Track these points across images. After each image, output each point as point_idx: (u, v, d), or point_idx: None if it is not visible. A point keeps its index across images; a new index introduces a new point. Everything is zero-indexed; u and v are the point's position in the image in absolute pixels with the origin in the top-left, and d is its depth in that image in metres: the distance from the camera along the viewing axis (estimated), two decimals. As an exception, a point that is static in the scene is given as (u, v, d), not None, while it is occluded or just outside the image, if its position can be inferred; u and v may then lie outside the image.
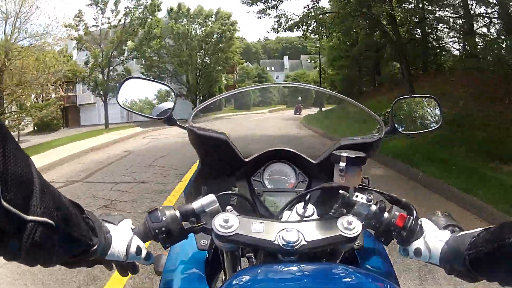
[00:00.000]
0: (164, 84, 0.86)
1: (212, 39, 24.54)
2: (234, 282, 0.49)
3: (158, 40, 22.03)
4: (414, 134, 0.90)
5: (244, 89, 1.02)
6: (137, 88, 0.86)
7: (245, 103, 28.24)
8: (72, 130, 19.26)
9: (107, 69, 18.91)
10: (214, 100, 0.92)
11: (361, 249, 0.75)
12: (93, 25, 19.27)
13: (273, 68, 49.16)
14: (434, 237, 0.58)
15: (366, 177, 0.71)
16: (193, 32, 23.81)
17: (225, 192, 0.67)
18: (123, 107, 0.82)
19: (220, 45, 24.64)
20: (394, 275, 0.74)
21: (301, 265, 0.52)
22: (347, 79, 18.90)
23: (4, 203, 0.33)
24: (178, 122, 0.79)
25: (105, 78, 18.90)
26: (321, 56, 22.99)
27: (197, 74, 24.14)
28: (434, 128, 0.88)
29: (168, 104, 0.81)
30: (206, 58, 24.67)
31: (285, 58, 52.07)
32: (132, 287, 2.19)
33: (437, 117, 0.87)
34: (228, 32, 24.58)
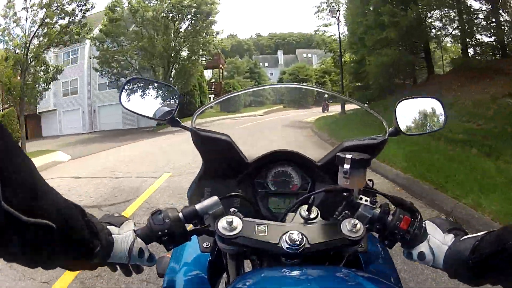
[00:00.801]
0: (167, 84, 0.86)
1: (184, 17, 17.93)
2: (238, 286, 0.48)
3: (117, 23, 16.68)
4: (417, 135, 0.90)
5: (250, 89, 1.00)
6: (140, 89, 0.85)
7: (233, 105, 23.79)
8: (28, 144, 13.33)
9: (25, 63, 12.16)
10: (219, 101, 0.92)
11: (365, 253, 0.74)
12: (22, 8, 12.94)
13: (266, 64, 45.84)
14: (438, 240, 0.58)
15: (370, 179, 0.71)
16: (162, 14, 17.56)
17: (229, 195, 0.67)
18: (126, 108, 0.82)
19: (196, 27, 18.29)
20: (398, 279, 0.74)
21: (305, 269, 0.52)
22: (392, 64, 10.95)
23: (5, 205, 0.33)
24: (182, 124, 0.79)
25: (24, 77, 12.35)
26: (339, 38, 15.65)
27: (168, 67, 18.29)
28: (437, 129, 0.88)
29: (171, 105, 0.81)
30: (178, 44, 18.26)
31: (279, 52, 48.87)
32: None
33: (440, 119, 0.88)
34: (205, 6, 17.98)
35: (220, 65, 27.40)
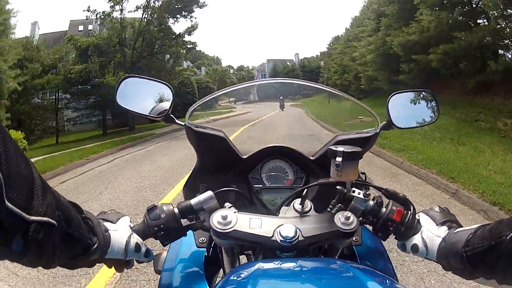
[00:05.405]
0: (162, 82, 0.86)
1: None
2: (231, 278, 0.49)
3: None
4: (410, 128, 0.90)
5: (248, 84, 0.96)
6: (135, 87, 0.86)
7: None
8: None
9: None
10: (213, 96, 0.91)
11: (359, 245, 0.75)
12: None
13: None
14: (431, 233, 0.59)
15: (362, 172, 0.72)
16: None
17: (223, 189, 0.67)
18: (122, 107, 0.82)
19: None
20: (392, 270, 0.74)
21: (299, 261, 0.52)
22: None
23: (9, 204, 0.33)
24: (176, 121, 0.80)
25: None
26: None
27: None
28: (430, 122, 0.88)
29: (166, 103, 0.81)
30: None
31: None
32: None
33: (433, 111, 0.88)
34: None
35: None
